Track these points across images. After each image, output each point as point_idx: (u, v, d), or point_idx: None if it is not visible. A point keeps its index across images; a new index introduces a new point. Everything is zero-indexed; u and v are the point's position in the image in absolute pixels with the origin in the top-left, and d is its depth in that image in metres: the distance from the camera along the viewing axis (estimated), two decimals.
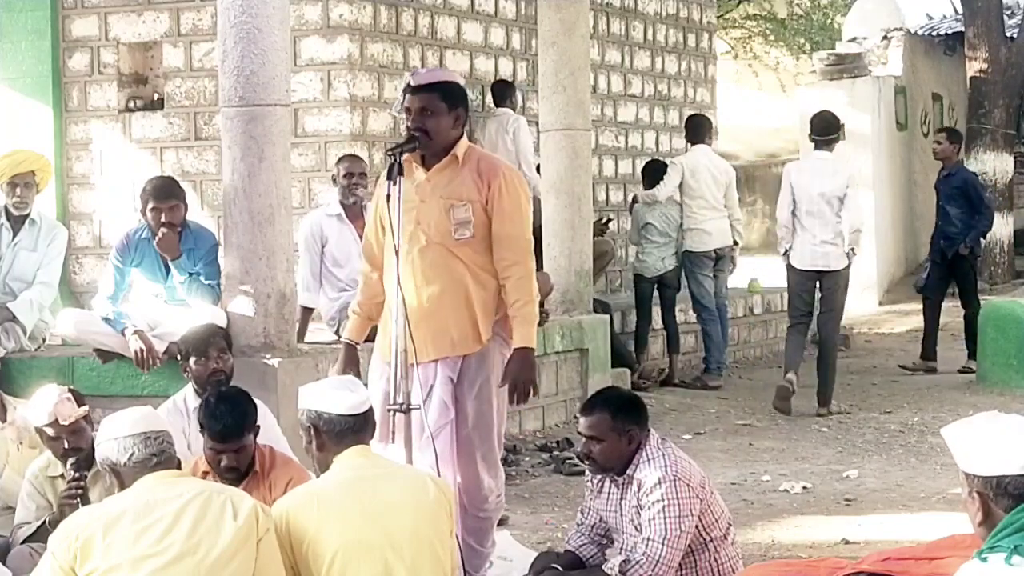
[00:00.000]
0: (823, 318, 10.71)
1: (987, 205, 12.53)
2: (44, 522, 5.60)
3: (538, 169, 10.60)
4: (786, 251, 10.62)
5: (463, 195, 5.64)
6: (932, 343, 12.59)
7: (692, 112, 13.22)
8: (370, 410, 4.79)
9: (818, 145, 10.67)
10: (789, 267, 10.63)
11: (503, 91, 11.40)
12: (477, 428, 5.72)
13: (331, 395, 4.74)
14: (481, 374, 5.72)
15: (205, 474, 5.42)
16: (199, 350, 6.29)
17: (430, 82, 5.67)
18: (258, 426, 5.47)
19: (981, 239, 12.80)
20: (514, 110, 11.26)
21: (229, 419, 5.34)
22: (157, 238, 7.38)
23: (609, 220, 12.42)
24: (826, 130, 10.69)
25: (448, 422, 5.64)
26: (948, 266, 12.36)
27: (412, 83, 5.67)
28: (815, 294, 10.68)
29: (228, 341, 6.51)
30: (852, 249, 10.50)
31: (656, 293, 11.75)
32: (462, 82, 5.94)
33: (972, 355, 12.17)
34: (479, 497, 5.75)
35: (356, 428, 4.69)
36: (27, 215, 8.05)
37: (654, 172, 11.92)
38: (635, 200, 12.05)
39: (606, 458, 5.28)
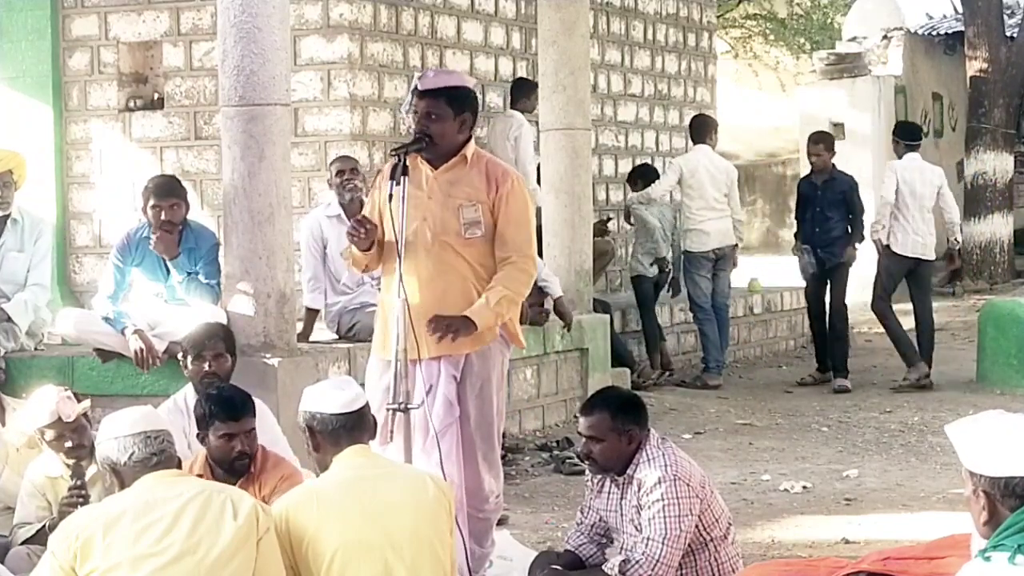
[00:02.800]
0: (919, 301, 11.69)
1: (863, 211, 11.70)
2: (44, 527, 5.60)
3: (538, 170, 10.57)
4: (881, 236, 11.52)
5: (472, 196, 5.66)
6: (825, 353, 11.84)
7: (693, 112, 13.22)
8: (364, 408, 4.78)
9: (909, 148, 11.61)
10: (888, 252, 11.48)
11: (517, 92, 11.23)
12: (479, 428, 5.73)
13: (322, 395, 4.74)
14: (483, 374, 5.73)
15: (199, 477, 5.41)
16: (195, 350, 6.28)
17: (437, 87, 5.66)
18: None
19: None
20: (530, 111, 11.08)
21: (237, 397, 5.37)
22: (152, 240, 7.36)
23: (609, 220, 12.42)
24: (912, 135, 11.84)
25: (454, 420, 5.65)
26: (824, 274, 11.68)
27: (420, 86, 5.66)
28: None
29: (230, 343, 6.43)
30: (955, 240, 11.78)
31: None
32: (472, 84, 5.93)
33: (838, 369, 11.61)
34: (480, 497, 5.76)
35: (350, 426, 4.68)
36: (8, 215, 8.03)
37: (643, 175, 11.94)
38: (628, 206, 12.01)
39: (606, 458, 5.27)
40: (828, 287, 11.77)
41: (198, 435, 5.43)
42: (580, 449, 5.48)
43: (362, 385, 5.23)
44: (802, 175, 12.56)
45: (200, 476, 5.37)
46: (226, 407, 5.31)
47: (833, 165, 11.75)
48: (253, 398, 5.48)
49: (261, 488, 5.30)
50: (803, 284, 12.14)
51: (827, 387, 11.56)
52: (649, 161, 13.47)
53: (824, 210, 11.57)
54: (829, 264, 11.62)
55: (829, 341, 11.77)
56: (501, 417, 5.87)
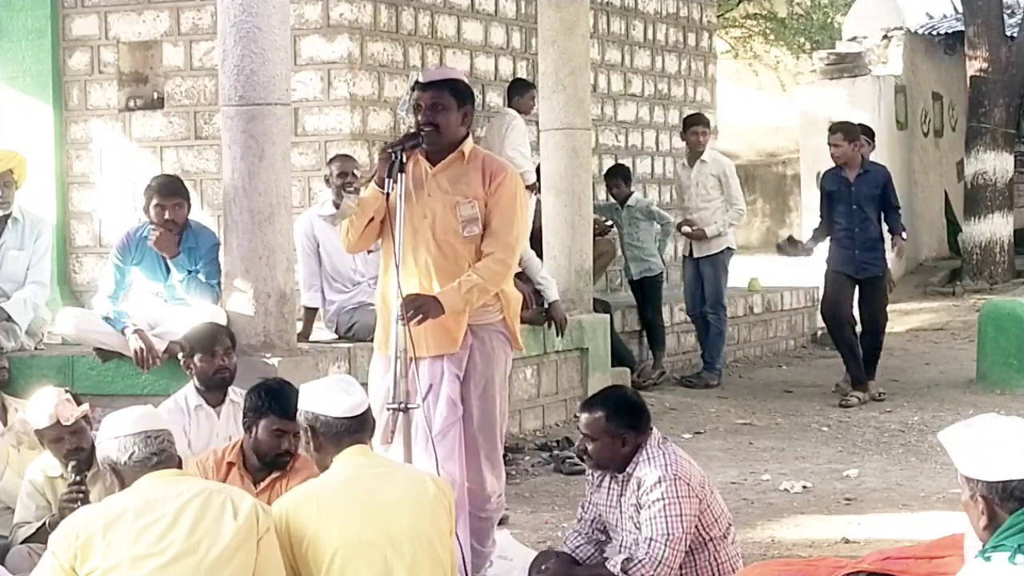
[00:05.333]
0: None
1: (899, 206, 11.05)
2: (44, 524, 5.60)
3: (538, 170, 10.54)
4: None
5: (468, 193, 5.67)
6: (859, 366, 10.93)
7: (692, 111, 13.16)
8: (367, 411, 4.78)
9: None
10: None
11: (513, 91, 11.22)
12: (482, 428, 5.73)
13: (327, 397, 4.73)
14: (486, 373, 5.73)
15: (231, 465, 5.45)
16: (205, 347, 6.32)
17: (440, 79, 5.76)
18: None
19: None
20: (525, 112, 11.06)
21: (294, 396, 5.33)
22: (151, 238, 7.37)
23: (608, 219, 12.40)
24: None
25: (456, 419, 5.65)
26: (858, 282, 10.84)
27: (422, 79, 5.77)
28: None
29: (232, 339, 6.55)
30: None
31: (630, 293, 11.79)
32: (467, 81, 5.99)
33: (870, 376, 10.96)
34: (482, 497, 5.76)
35: (352, 430, 4.68)
36: (9, 214, 8.03)
37: (628, 176, 11.92)
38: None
39: (599, 457, 5.31)
40: (859, 297, 10.94)
41: (244, 422, 5.47)
42: (577, 444, 5.51)
43: (363, 384, 5.23)
44: (822, 171, 11.65)
45: (231, 464, 5.43)
46: (284, 404, 5.31)
47: (863, 157, 10.92)
48: None
49: (288, 483, 5.32)
50: (803, 284, 12.05)
51: (829, 387, 11.47)
52: (649, 161, 13.49)
53: (862, 206, 10.72)
54: (864, 274, 10.75)
55: (867, 351, 10.96)
56: (504, 417, 5.89)
